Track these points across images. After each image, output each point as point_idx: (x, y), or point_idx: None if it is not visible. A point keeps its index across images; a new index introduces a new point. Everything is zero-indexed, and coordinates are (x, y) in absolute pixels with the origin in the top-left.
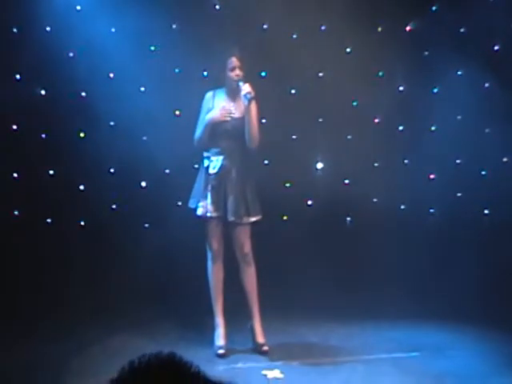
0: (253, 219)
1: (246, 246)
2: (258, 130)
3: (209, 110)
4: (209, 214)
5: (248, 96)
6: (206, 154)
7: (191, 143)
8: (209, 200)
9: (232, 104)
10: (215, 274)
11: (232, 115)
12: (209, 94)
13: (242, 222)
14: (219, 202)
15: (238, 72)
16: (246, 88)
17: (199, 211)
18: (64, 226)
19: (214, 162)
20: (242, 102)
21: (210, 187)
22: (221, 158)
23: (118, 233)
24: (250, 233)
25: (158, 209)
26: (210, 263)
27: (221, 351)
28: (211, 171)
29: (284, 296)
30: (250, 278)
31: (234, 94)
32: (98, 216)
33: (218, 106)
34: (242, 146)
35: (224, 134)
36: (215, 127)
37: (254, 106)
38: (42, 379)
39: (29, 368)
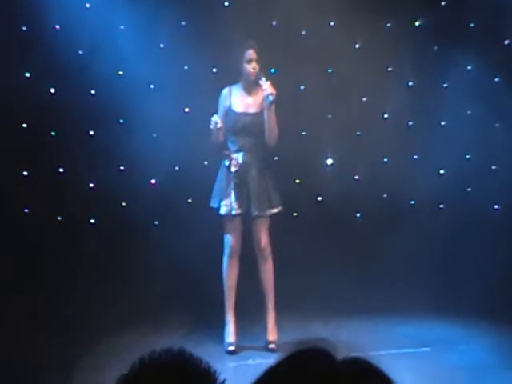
0: (275, 210)
1: (264, 240)
2: (277, 127)
3: (225, 107)
4: (234, 212)
5: (271, 97)
6: (226, 153)
7: (201, 140)
8: (233, 198)
9: (249, 99)
10: (230, 271)
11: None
12: (225, 91)
13: (265, 214)
14: (243, 199)
15: (254, 65)
16: (268, 88)
17: (223, 210)
18: (74, 224)
19: (235, 160)
20: (263, 99)
21: (232, 185)
22: (241, 154)
23: (128, 230)
24: (269, 227)
25: (167, 206)
26: (226, 260)
27: (231, 348)
28: (233, 169)
29: (294, 292)
30: (267, 273)
31: (250, 89)
32: (107, 213)
33: (235, 102)
34: (261, 141)
35: (242, 130)
36: (232, 126)
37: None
38: (51, 375)
39: (38, 364)
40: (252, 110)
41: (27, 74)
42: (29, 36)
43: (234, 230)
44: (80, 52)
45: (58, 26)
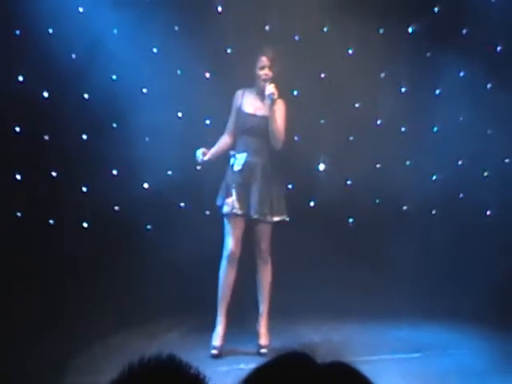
0: (276, 218)
1: (264, 243)
2: (283, 131)
3: (236, 107)
4: (234, 211)
5: (272, 96)
6: (232, 152)
7: (193, 144)
8: (234, 197)
9: (260, 102)
10: (228, 274)
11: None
12: (239, 92)
13: (266, 220)
14: (244, 199)
15: (267, 71)
16: (270, 89)
17: (225, 209)
18: (66, 228)
19: (239, 160)
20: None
21: (234, 184)
22: (245, 155)
23: (121, 234)
24: (271, 231)
25: (160, 210)
26: (224, 262)
27: (214, 351)
28: (236, 168)
29: (286, 296)
30: (264, 275)
31: (262, 94)
32: (100, 217)
33: (246, 103)
34: (268, 144)
35: (250, 131)
36: (240, 126)
37: (279, 107)
38: (42, 377)
39: (30, 366)
40: (261, 112)
41: (20, 78)
42: (22, 40)
43: (235, 233)
44: (73, 56)
45: (51, 30)
